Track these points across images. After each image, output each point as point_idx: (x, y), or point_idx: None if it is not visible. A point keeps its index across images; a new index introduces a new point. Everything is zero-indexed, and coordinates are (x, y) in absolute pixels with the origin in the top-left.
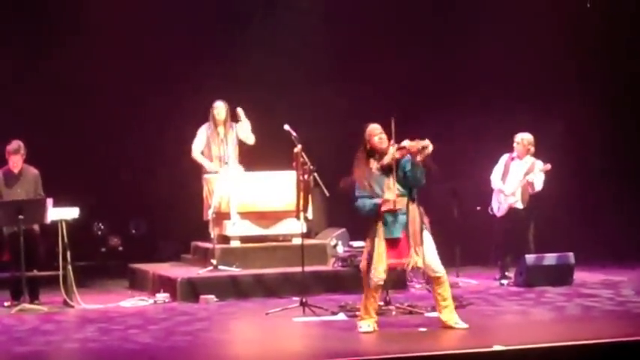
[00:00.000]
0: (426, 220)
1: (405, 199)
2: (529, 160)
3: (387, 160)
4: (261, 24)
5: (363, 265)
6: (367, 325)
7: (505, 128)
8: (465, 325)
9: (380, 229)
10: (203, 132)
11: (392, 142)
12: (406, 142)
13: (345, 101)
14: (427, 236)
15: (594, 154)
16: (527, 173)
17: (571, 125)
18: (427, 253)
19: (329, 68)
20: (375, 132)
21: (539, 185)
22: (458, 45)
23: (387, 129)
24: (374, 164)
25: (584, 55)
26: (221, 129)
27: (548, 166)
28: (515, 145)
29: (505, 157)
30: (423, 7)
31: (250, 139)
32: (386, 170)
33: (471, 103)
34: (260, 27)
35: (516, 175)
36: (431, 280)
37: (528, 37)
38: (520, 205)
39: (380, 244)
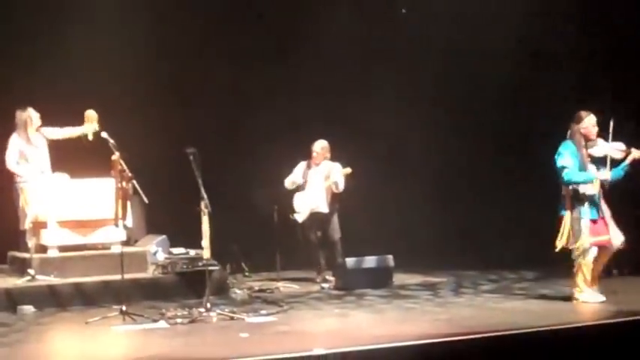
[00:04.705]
0: None
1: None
2: (325, 164)
3: (599, 153)
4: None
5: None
6: (590, 294)
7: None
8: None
9: (586, 209)
10: (16, 141)
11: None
12: (622, 146)
13: (162, 110)
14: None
15: (408, 155)
16: (326, 176)
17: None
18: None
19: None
20: (594, 124)
21: (342, 185)
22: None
23: None
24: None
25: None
26: (34, 136)
27: (349, 170)
28: (314, 154)
29: (302, 165)
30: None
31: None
32: (592, 158)
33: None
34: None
35: (317, 181)
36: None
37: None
38: (323, 209)
39: (585, 223)
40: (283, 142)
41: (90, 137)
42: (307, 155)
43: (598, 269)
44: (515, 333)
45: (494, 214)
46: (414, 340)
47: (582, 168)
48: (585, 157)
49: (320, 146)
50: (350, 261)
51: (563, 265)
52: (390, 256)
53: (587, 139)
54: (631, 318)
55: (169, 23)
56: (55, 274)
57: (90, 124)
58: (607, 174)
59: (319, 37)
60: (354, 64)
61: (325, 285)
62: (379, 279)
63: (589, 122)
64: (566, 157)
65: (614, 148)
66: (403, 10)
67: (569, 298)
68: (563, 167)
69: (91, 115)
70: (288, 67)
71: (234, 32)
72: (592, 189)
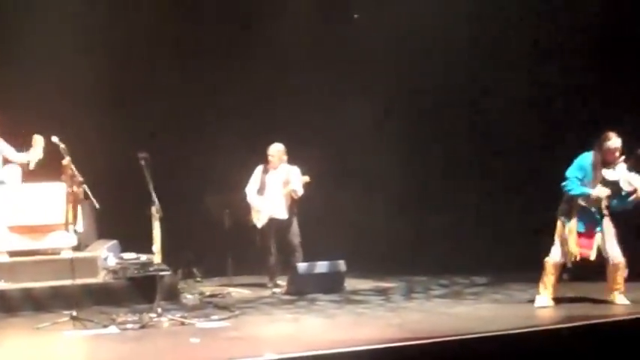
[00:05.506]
0: None
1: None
2: (283, 167)
3: (611, 177)
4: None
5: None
6: (543, 299)
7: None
8: (628, 302)
9: (574, 219)
10: None
11: (622, 158)
12: (636, 181)
13: (113, 115)
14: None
15: (360, 161)
16: (285, 182)
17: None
18: (611, 245)
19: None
20: (616, 149)
21: (300, 191)
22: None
23: None
24: (602, 169)
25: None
26: None
27: (307, 179)
28: (270, 157)
29: (260, 169)
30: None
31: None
32: (605, 182)
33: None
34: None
35: (275, 185)
36: (611, 267)
37: None
38: (282, 215)
39: (571, 232)
40: (235, 147)
41: (31, 166)
42: (263, 159)
43: (611, 287)
44: (466, 338)
45: (446, 219)
46: (366, 345)
47: (585, 183)
48: (595, 175)
49: (275, 149)
50: (301, 266)
51: (514, 270)
52: (342, 262)
53: (605, 161)
54: (581, 323)
55: (119, 27)
56: (5, 279)
57: (34, 149)
58: (602, 191)
59: (273, 40)
60: (308, 67)
61: (277, 290)
62: (331, 284)
63: (607, 147)
64: (572, 168)
65: (625, 179)
66: (355, 16)
67: (520, 303)
68: (565, 177)
69: (37, 140)
70: (242, 71)
71: (187, 35)
72: (587, 203)
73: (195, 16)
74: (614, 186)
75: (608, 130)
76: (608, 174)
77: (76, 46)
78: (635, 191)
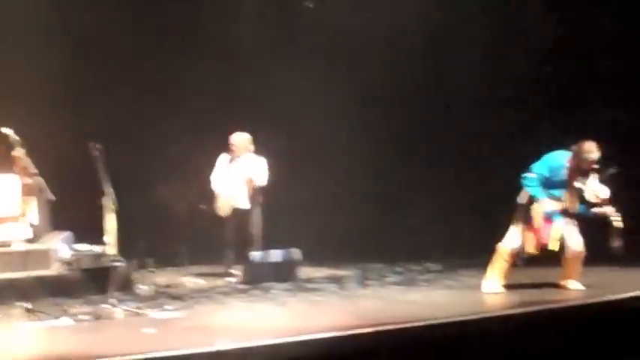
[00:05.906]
0: None
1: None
2: (249, 157)
3: (580, 185)
4: None
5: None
6: (492, 285)
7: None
8: (583, 287)
9: (536, 213)
10: None
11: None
12: (603, 193)
13: (67, 105)
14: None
15: (316, 149)
16: (246, 172)
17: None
18: (573, 234)
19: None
20: (594, 162)
21: (262, 180)
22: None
23: None
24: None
25: None
26: None
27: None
28: (232, 147)
29: (224, 158)
30: None
31: None
32: (573, 189)
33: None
34: None
35: (237, 176)
36: (569, 255)
37: None
38: (244, 205)
39: (529, 226)
40: (190, 137)
41: None
42: (221, 150)
43: (566, 274)
44: (421, 325)
45: (400, 207)
46: (320, 333)
47: (548, 184)
48: (570, 180)
49: (237, 139)
50: (256, 255)
51: (466, 257)
52: (297, 250)
53: (580, 169)
54: (535, 308)
55: (71, 19)
56: None
57: None
58: (549, 204)
59: (229, 28)
60: (264, 56)
61: (232, 279)
62: (285, 272)
63: (586, 158)
64: (541, 165)
65: (592, 190)
66: (310, 5)
67: (473, 289)
68: (530, 170)
69: None
70: (198, 62)
71: (140, 25)
72: (551, 206)
73: (148, 6)
74: (579, 193)
75: (589, 139)
76: (579, 183)
77: (27, 39)
78: (599, 204)
